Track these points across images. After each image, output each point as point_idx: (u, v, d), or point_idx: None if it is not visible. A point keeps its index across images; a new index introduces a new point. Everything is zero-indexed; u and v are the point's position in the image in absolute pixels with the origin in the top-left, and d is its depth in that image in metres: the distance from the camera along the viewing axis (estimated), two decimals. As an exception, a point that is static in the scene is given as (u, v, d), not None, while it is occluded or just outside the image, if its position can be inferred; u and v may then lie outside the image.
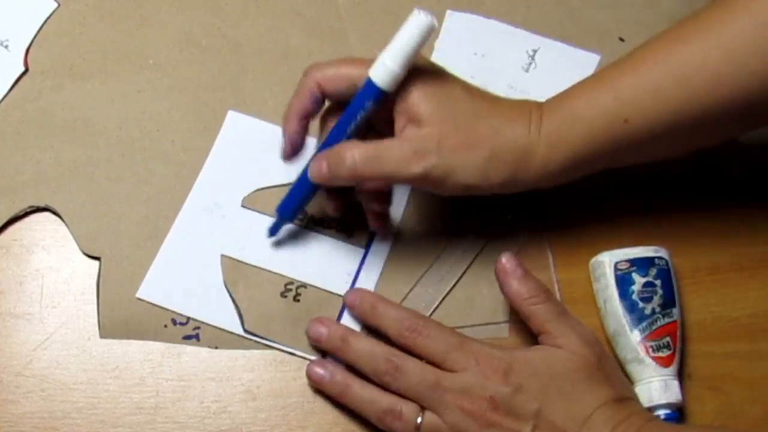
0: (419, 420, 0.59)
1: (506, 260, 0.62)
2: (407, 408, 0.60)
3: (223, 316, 0.64)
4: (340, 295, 0.65)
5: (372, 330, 0.63)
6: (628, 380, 0.63)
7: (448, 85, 0.60)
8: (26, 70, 0.69)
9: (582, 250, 0.67)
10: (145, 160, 0.68)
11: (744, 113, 0.59)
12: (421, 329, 0.61)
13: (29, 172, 0.67)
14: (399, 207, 0.67)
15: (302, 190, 0.64)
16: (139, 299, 0.64)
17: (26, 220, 0.67)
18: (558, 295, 0.66)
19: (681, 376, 0.63)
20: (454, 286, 0.66)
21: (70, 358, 0.64)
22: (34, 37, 0.69)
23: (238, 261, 0.66)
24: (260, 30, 0.71)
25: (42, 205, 0.66)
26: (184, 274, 0.65)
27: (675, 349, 0.63)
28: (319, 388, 0.63)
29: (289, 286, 0.65)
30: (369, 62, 0.59)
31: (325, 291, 0.65)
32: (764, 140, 0.70)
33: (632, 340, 0.63)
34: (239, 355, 0.64)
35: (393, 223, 0.67)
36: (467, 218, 0.67)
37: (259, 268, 0.65)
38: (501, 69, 0.70)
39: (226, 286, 0.65)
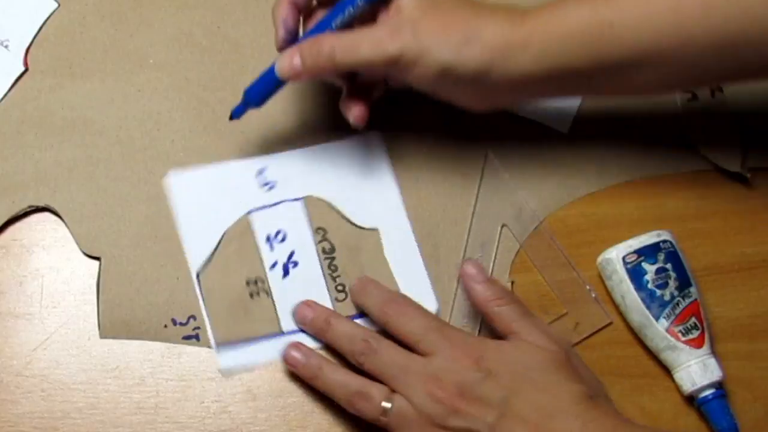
0: (389, 405, 0.59)
1: (470, 266, 0.63)
2: (376, 390, 0.59)
3: None
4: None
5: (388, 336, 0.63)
6: (665, 368, 0.64)
7: None
8: (26, 70, 0.69)
9: (582, 251, 0.67)
10: (145, 160, 0.68)
11: (729, 53, 0.57)
12: (401, 306, 0.62)
13: (29, 172, 0.67)
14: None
15: (275, 77, 0.62)
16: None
17: (26, 220, 0.66)
18: (592, 295, 0.66)
19: (714, 349, 0.64)
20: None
21: (70, 358, 0.64)
22: (34, 37, 0.69)
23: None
24: (260, 30, 0.71)
25: (42, 205, 0.66)
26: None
27: (703, 327, 0.63)
28: (294, 372, 0.63)
29: None
30: None
31: None
32: (765, 140, 0.69)
33: (660, 329, 0.63)
34: (239, 355, 0.64)
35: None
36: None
37: None
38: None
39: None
